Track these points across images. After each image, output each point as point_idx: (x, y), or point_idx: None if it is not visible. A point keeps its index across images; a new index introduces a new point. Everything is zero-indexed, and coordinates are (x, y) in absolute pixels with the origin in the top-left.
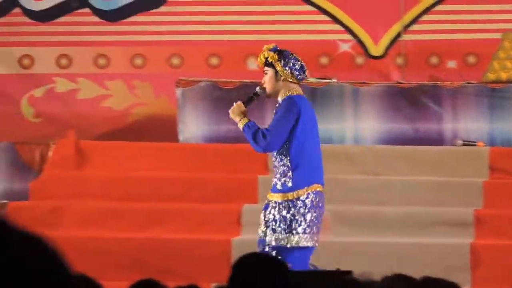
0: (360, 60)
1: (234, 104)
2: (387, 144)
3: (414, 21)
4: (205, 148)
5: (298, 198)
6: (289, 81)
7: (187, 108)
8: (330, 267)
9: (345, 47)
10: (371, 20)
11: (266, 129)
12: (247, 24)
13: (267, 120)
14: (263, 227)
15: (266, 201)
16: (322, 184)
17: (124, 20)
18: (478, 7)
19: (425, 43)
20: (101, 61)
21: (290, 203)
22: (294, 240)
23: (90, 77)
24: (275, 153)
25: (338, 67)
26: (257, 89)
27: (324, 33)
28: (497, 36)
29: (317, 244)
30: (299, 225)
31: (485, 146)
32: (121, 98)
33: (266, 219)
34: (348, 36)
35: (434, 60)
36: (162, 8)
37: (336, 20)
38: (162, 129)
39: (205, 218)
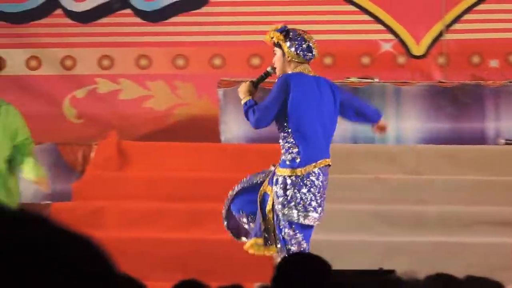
0: (401, 59)
1: (243, 83)
2: (429, 144)
3: (456, 20)
4: (246, 149)
5: (308, 174)
6: (296, 61)
7: (228, 108)
8: (373, 266)
9: (387, 47)
10: (412, 19)
11: (257, 106)
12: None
13: None
14: (272, 202)
15: (275, 177)
16: (328, 157)
17: (166, 21)
18: None
19: (467, 42)
20: (143, 62)
21: (298, 178)
22: (304, 216)
23: (132, 78)
24: (279, 132)
25: (380, 67)
26: (268, 68)
27: (366, 33)
28: None
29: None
30: (309, 203)
31: None
32: (162, 99)
33: (276, 194)
34: (390, 36)
35: (476, 59)
36: (204, 9)
37: (378, 20)
38: (204, 129)
39: None
